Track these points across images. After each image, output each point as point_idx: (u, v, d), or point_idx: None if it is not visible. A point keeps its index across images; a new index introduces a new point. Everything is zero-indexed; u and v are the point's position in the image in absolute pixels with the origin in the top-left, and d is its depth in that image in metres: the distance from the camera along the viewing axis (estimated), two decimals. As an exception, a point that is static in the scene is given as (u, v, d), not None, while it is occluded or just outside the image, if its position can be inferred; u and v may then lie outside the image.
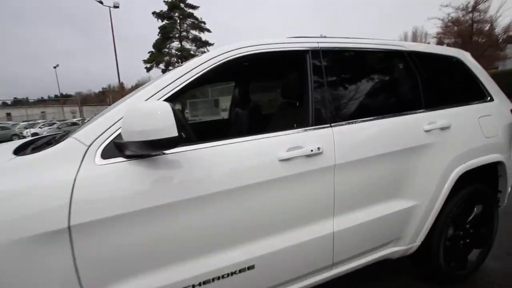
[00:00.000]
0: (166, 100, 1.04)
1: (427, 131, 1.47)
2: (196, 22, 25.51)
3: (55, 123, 21.08)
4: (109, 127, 0.97)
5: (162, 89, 1.06)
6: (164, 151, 0.96)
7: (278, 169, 1.13)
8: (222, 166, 1.06)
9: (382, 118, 1.41)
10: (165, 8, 24.67)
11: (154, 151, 0.92)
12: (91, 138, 0.94)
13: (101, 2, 17.96)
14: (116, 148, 0.94)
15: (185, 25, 25.54)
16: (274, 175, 1.12)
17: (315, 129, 1.25)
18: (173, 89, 1.07)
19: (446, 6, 14.37)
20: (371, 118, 1.39)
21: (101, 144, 0.94)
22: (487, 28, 14.55)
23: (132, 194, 0.91)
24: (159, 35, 25.13)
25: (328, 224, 1.27)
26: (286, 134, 1.20)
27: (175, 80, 1.09)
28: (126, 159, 0.94)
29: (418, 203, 1.46)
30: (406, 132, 1.44)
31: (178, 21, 25.38)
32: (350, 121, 1.33)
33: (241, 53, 1.20)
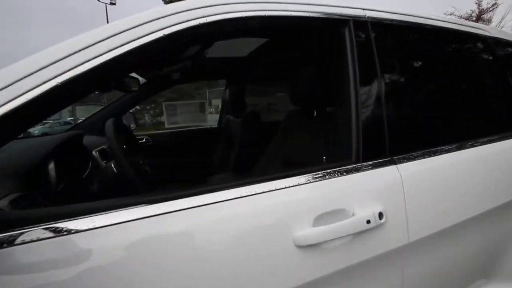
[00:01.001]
0: (25, 107, 0.41)
1: None
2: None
3: (47, 122, 19.89)
4: None
5: (20, 80, 0.41)
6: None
7: (295, 268, 0.51)
8: (181, 263, 0.44)
9: (473, 145, 0.80)
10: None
11: None
12: None
13: (98, -1, 17.30)
14: None
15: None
16: (284, 282, 0.50)
17: (366, 168, 0.63)
18: (47, 80, 0.42)
19: (450, 14, 14.06)
20: (456, 145, 0.78)
21: None
22: (489, 36, 14.32)
23: None
24: (157, 34, 24.60)
25: None
26: (308, 182, 0.57)
27: (57, 61, 0.44)
28: None
29: None
30: (511, 171, 0.84)
31: (177, 21, 25.01)
32: (425, 150, 0.72)
33: (211, 15, 0.54)
